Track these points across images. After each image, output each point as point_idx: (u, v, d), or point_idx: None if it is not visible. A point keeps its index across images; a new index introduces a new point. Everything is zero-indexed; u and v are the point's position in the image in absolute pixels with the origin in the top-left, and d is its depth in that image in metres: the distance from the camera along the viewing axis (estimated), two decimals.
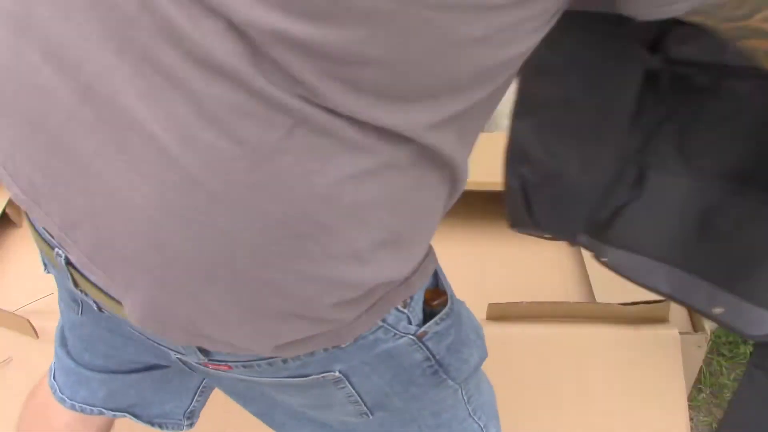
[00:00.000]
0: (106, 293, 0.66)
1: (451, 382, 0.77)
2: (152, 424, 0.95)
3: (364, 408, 0.76)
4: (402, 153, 0.58)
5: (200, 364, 0.73)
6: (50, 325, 1.21)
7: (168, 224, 0.56)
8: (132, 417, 0.94)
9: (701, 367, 1.62)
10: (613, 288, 1.23)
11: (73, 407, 0.92)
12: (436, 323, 0.72)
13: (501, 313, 1.19)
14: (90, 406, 0.92)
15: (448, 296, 0.74)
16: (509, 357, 1.17)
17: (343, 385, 0.73)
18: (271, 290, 0.58)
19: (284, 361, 0.68)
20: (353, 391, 0.73)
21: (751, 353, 1.74)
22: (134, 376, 0.90)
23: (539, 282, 1.31)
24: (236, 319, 0.60)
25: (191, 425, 0.97)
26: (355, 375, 0.72)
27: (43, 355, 1.12)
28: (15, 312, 1.26)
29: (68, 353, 0.92)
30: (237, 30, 0.52)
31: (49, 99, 0.58)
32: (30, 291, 1.34)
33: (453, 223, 1.45)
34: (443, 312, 0.73)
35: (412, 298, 0.70)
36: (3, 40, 0.61)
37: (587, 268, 1.28)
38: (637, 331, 1.17)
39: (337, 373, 0.71)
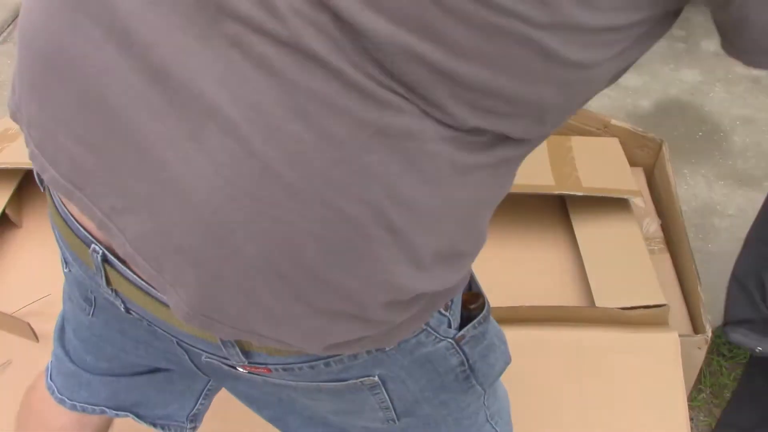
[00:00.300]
0: (142, 290, 0.64)
1: (478, 388, 0.77)
2: (155, 425, 0.94)
3: (393, 414, 0.75)
4: (486, 162, 0.57)
5: (232, 367, 0.71)
6: (50, 327, 1.21)
7: (236, 216, 0.54)
8: (135, 417, 0.92)
9: (701, 367, 1.62)
10: (612, 292, 1.23)
11: (74, 407, 0.91)
12: (474, 327, 0.72)
13: (500, 317, 1.19)
14: (92, 405, 0.91)
15: (485, 299, 0.74)
16: None
17: (377, 391, 0.72)
18: (332, 288, 0.57)
19: (326, 364, 0.67)
20: (386, 397, 0.73)
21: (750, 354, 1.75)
22: (138, 378, 0.89)
23: (539, 286, 1.31)
24: (291, 315, 0.59)
25: (194, 429, 0.96)
26: (392, 380, 0.71)
27: (42, 357, 1.12)
28: (14, 314, 1.26)
29: (68, 354, 0.91)
30: (342, 24, 0.50)
31: (109, 78, 0.55)
32: (30, 292, 1.34)
33: None
34: (481, 315, 0.73)
35: (452, 301, 0.69)
36: (56, 11, 0.57)
37: (587, 272, 1.28)
38: (636, 335, 1.17)
39: (375, 378, 0.70)
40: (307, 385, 0.71)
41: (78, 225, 0.66)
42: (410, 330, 0.66)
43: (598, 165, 1.46)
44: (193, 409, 0.94)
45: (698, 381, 1.74)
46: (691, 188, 2.24)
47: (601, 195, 1.37)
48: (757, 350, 1.03)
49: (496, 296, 1.23)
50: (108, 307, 0.77)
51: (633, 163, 1.57)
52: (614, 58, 0.57)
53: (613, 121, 1.61)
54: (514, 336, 1.19)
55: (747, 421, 1.60)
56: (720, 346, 1.82)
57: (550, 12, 0.50)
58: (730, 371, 1.77)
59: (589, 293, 1.24)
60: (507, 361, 0.81)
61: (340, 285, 0.57)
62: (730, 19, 0.57)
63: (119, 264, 0.65)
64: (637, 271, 1.26)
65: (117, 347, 0.85)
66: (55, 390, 0.92)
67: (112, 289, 0.69)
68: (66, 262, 0.80)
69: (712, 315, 1.50)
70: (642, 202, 1.39)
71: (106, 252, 0.65)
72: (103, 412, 0.91)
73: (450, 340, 0.71)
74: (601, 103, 2.55)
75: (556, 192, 1.38)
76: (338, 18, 0.50)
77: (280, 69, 0.51)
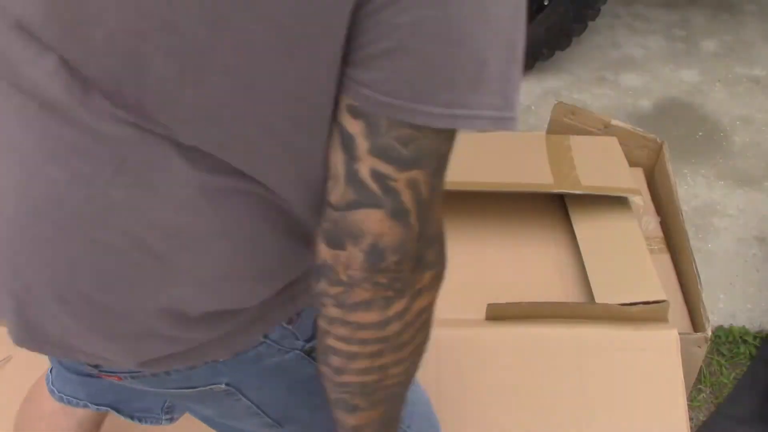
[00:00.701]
0: None
1: None
2: (133, 418, 0.98)
3: (269, 420, 0.77)
4: (237, 186, 0.59)
5: (97, 376, 0.75)
6: None
7: (23, 251, 0.61)
8: (114, 412, 0.97)
9: (701, 367, 1.62)
10: (612, 288, 1.23)
11: (60, 399, 0.96)
12: None
13: (500, 313, 1.19)
14: (76, 399, 0.96)
15: None
16: (508, 357, 1.17)
17: (237, 397, 0.73)
18: (116, 314, 0.62)
19: (167, 373, 0.69)
20: (250, 403, 0.74)
21: (757, 348, 1.75)
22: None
23: (539, 282, 1.31)
24: (95, 337, 0.64)
25: (171, 420, 0.99)
26: (247, 387, 0.73)
27: (41, 354, 1.12)
28: None
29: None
30: (68, 67, 0.55)
31: None
32: None
33: (453, 223, 1.45)
34: None
35: (299, 314, 0.70)
36: None
37: (587, 269, 1.28)
38: (636, 331, 1.17)
39: (223, 386, 0.72)
40: (164, 391, 0.74)
41: None
42: (242, 343, 0.68)
43: (597, 164, 1.47)
44: (165, 402, 0.97)
45: (698, 381, 1.74)
46: (691, 188, 2.24)
47: (599, 193, 1.37)
48: None
49: (496, 293, 1.24)
50: None
51: (633, 163, 1.57)
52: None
53: (613, 122, 1.61)
54: (514, 332, 1.20)
55: (745, 412, 1.61)
56: (720, 346, 1.82)
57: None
58: (730, 371, 1.77)
59: (589, 290, 1.24)
60: None
61: (119, 308, 0.61)
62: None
63: None
64: (637, 267, 1.26)
65: None
66: (50, 380, 0.98)
67: None
68: None
69: (711, 315, 1.50)
70: (641, 200, 1.39)
71: None
72: (86, 406, 0.96)
73: (298, 351, 0.72)
74: (601, 104, 2.55)
75: (556, 191, 1.38)
76: (62, 59, 0.55)
77: (32, 116, 0.57)
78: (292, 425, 0.79)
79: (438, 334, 1.18)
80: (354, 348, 0.60)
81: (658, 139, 1.59)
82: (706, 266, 1.97)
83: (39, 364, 1.05)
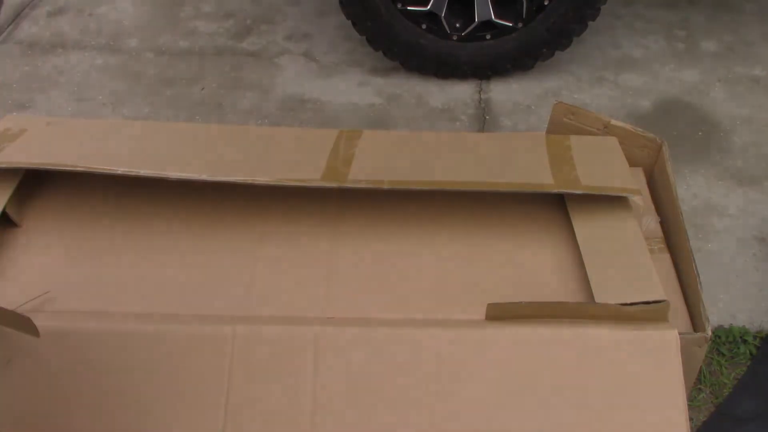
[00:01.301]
0: None
1: None
2: None
3: None
4: None
5: None
6: (51, 324, 1.21)
7: None
8: None
9: (701, 367, 1.62)
10: (612, 288, 1.22)
11: None
12: None
13: (500, 313, 1.19)
14: None
15: None
16: (508, 357, 1.17)
17: None
18: None
19: None
20: None
21: (757, 347, 1.75)
22: None
23: (539, 282, 1.31)
24: None
25: None
26: None
27: (43, 354, 1.12)
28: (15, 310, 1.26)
29: None
30: None
31: None
32: (29, 290, 1.34)
33: (453, 223, 1.45)
34: None
35: None
36: None
37: (586, 269, 1.28)
38: (636, 331, 1.17)
39: None
40: None
41: None
42: None
43: (597, 164, 1.46)
44: None
45: (698, 381, 1.74)
46: (691, 188, 2.24)
47: (599, 193, 1.37)
48: None
49: (496, 293, 1.24)
50: None
51: (633, 163, 1.57)
52: None
53: (613, 121, 1.61)
54: (514, 332, 1.19)
55: (744, 412, 1.61)
56: (720, 346, 1.83)
57: None
58: (730, 371, 1.77)
59: (589, 290, 1.24)
60: None
61: None
62: None
63: None
64: (637, 267, 1.26)
65: None
66: None
67: None
68: None
69: (711, 315, 1.50)
70: (641, 200, 1.39)
71: None
72: None
73: None
74: (601, 103, 2.56)
75: (556, 191, 1.38)
76: None
77: None
78: None
79: (438, 334, 1.19)
80: None
81: (658, 139, 1.59)
82: (706, 266, 1.98)
83: (40, 364, 1.05)
